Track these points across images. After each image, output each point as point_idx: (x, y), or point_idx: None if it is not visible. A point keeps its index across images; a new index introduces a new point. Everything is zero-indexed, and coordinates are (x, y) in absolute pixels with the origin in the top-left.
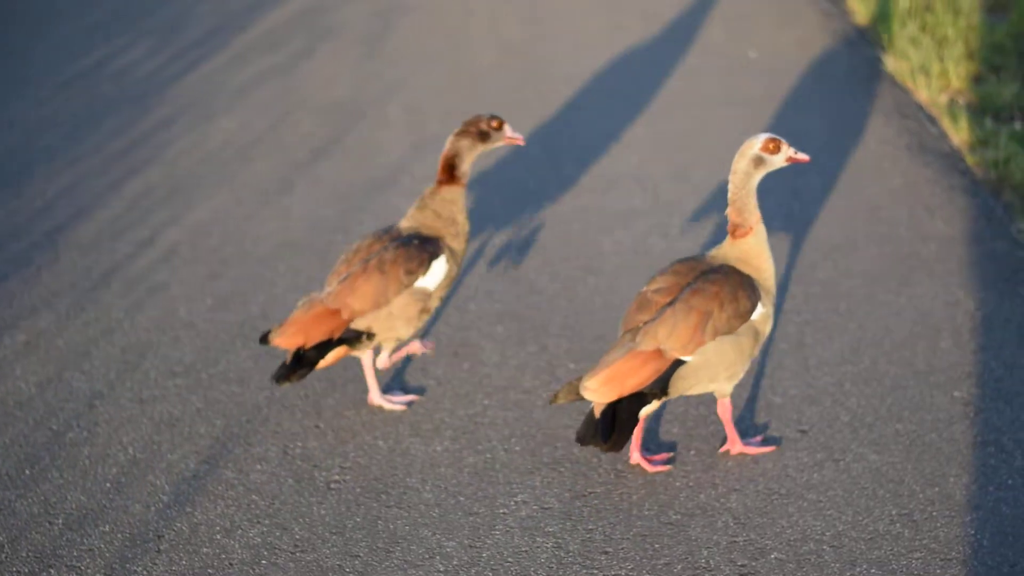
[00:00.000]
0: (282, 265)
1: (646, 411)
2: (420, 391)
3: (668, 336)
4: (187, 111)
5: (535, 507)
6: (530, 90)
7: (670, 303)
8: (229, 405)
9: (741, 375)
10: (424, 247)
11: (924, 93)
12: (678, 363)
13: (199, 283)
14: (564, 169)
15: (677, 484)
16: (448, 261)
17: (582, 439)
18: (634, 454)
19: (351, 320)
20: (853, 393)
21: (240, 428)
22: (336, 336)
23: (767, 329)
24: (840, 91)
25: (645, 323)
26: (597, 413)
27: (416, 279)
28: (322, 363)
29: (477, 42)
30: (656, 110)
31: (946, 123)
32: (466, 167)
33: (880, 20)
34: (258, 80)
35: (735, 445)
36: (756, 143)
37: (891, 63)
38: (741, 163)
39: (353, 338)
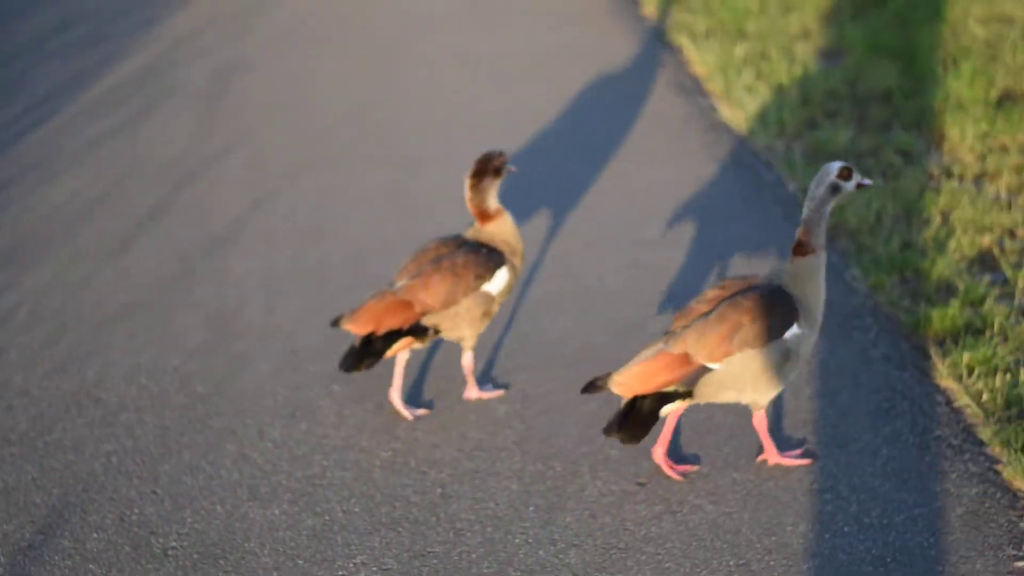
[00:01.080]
0: (120, 328)
1: (668, 409)
2: (262, 453)
3: (696, 342)
4: (28, 171)
5: (374, 568)
6: (375, 145)
7: (707, 312)
8: (65, 473)
9: (772, 391)
10: (492, 256)
11: (760, 140)
12: (705, 369)
13: (36, 348)
14: (409, 224)
15: (516, 541)
16: (509, 272)
17: (606, 430)
18: (657, 450)
19: (422, 314)
20: (690, 444)
21: (76, 496)
22: (406, 327)
23: (803, 350)
24: (677, 141)
25: (680, 327)
26: (622, 407)
27: (483, 284)
28: (389, 352)
29: (322, 99)
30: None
31: (782, 170)
32: (493, 201)
33: (716, 69)
34: (100, 139)
35: (772, 456)
36: (832, 171)
37: (727, 112)
38: (819, 190)
39: (420, 331)
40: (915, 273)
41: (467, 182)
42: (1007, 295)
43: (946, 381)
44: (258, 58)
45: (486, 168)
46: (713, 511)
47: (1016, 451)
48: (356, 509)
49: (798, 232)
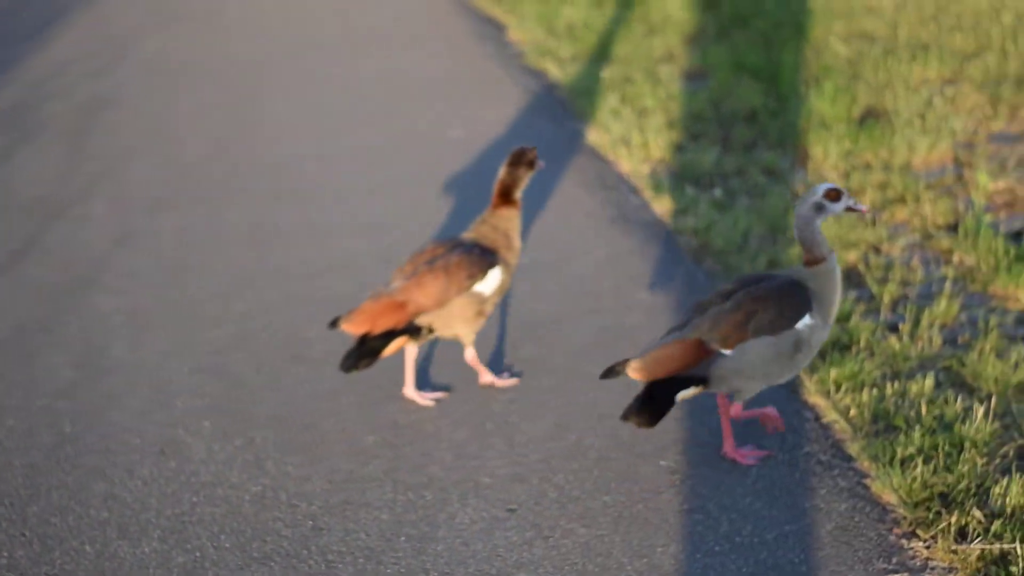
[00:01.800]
0: None
1: (684, 395)
2: (131, 491)
3: (711, 329)
4: None
5: None
6: (237, 180)
7: (723, 302)
8: None
9: (781, 379)
10: (484, 256)
11: (626, 164)
12: (719, 356)
13: None
14: (270, 258)
15: (388, 571)
16: (503, 272)
17: (624, 416)
18: (728, 442)
19: (416, 314)
20: (560, 469)
21: None
22: (400, 326)
23: (813, 340)
24: (546, 166)
25: (697, 316)
26: (640, 392)
27: (475, 283)
28: (386, 351)
29: (185, 135)
30: (362, 193)
31: (648, 193)
32: (519, 192)
33: (582, 94)
34: None
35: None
36: (819, 191)
37: (593, 136)
38: (802, 208)
39: (414, 330)
40: None
41: (504, 169)
42: (873, 311)
43: (814, 398)
44: (122, 95)
45: (522, 159)
46: (585, 534)
47: (884, 465)
48: (227, 545)
49: (804, 254)
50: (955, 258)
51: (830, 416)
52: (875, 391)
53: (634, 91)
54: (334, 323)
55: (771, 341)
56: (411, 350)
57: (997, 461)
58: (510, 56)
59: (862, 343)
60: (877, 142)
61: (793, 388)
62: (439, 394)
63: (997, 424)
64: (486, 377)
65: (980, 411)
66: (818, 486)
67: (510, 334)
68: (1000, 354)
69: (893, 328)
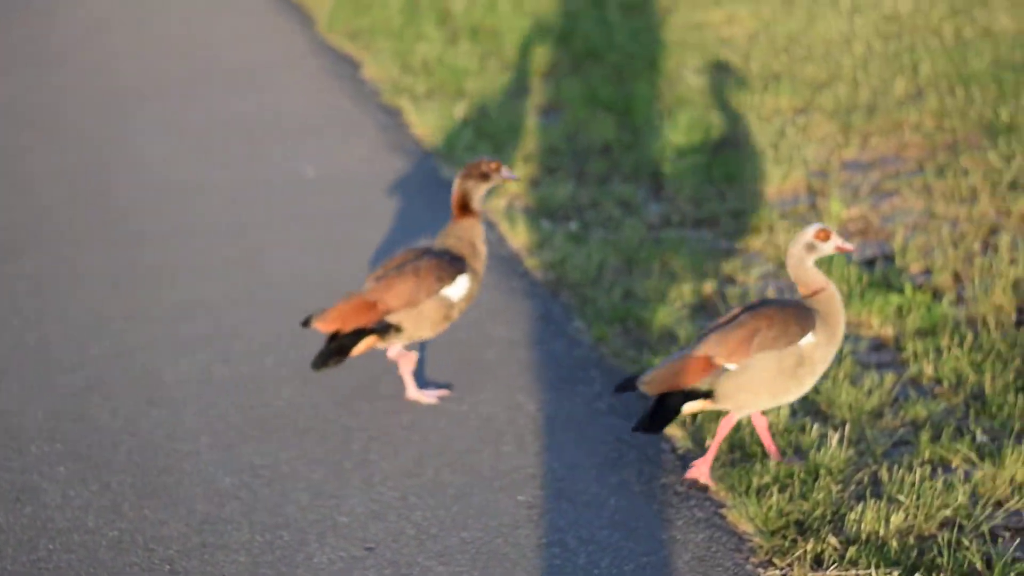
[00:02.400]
0: None
1: (690, 407)
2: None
3: (717, 344)
4: None
5: None
6: (93, 223)
7: (728, 324)
8: None
9: (785, 398)
10: (454, 263)
11: None
12: (725, 370)
13: None
14: (127, 300)
15: None
16: (471, 280)
17: (635, 428)
18: (701, 468)
19: (385, 313)
20: (418, 506)
21: None
22: (370, 326)
23: (818, 358)
24: (401, 204)
25: (705, 333)
26: (650, 404)
27: (444, 287)
28: (355, 350)
29: (34, 178)
30: (218, 233)
31: (504, 227)
32: (476, 203)
33: (437, 130)
34: None
35: (774, 455)
36: (809, 232)
37: (449, 172)
38: (794, 248)
39: (383, 330)
40: (638, 323)
41: (456, 182)
42: None
43: (671, 429)
44: None
45: (473, 172)
46: (443, 572)
47: (740, 494)
48: None
49: (800, 289)
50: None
51: (685, 446)
52: None
53: (490, 126)
54: (306, 322)
55: (775, 356)
56: (406, 362)
57: (852, 488)
58: (366, 94)
59: None
60: (731, 172)
61: None
62: (442, 392)
63: (852, 451)
64: (412, 393)
65: (835, 438)
66: (675, 517)
67: (369, 370)
68: (854, 381)
69: None
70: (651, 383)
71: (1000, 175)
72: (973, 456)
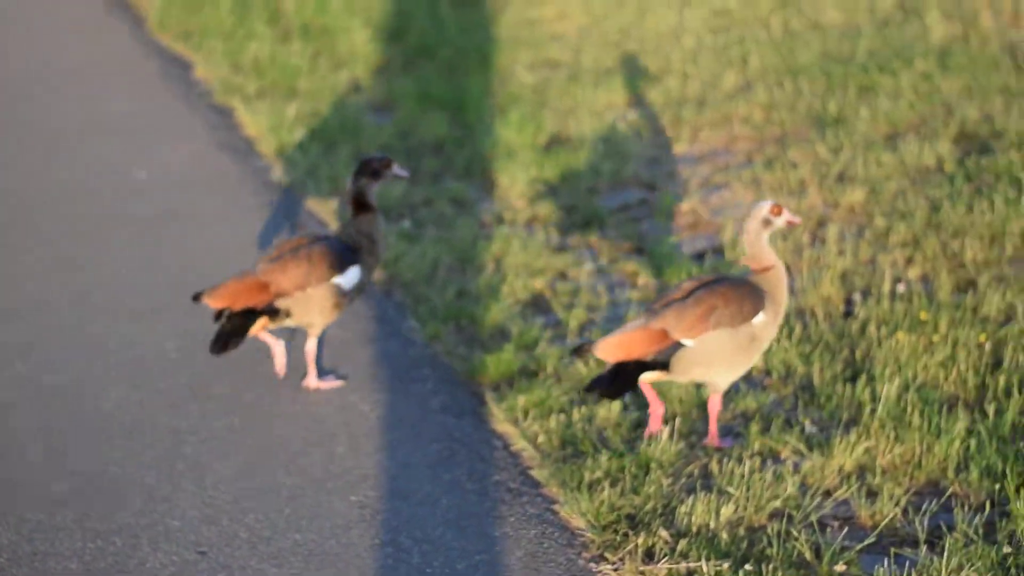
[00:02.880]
0: None
1: (646, 377)
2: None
3: (675, 320)
4: None
5: None
6: None
7: (685, 296)
8: None
9: (736, 374)
10: (347, 252)
11: (314, 197)
12: (680, 345)
13: None
14: None
15: None
16: (362, 271)
17: (588, 388)
18: (713, 438)
19: (276, 296)
20: (251, 508)
21: None
22: (260, 307)
23: (766, 335)
24: (233, 203)
25: (660, 307)
26: (605, 371)
27: (335, 275)
28: (250, 331)
29: None
30: (45, 237)
31: (337, 224)
32: (371, 199)
33: (269, 129)
34: None
35: (713, 440)
36: (764, 207)
37: (281, 171)
38: (751, 224)
39: (273, 312)
40: (471, 321)
41: (349, 180)
42: (560, 336)
43: (503, 426)
44: None
45: (364, 170)
46: (276, 574)
47: (572, 490)
48: None
49: (746, 261)
50: (640, 280)
51: (519, 444)
52: (563, 417)
53: (322, 125)
54: (197, 297)
55: (730, 333)
56: (310, 345)
57: (683, 481)
58: (197, 94)
59: (549, 369)
60: (563, 168)
61: (481, 417)
62: (339, 382)
63: (682, 444)
64: (312, 380)
65: (665, 432)
66: (507, 514)
67: (200, 370)
68: None
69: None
70: (608, 351)
71: (828, 167)
72: (802, 447)
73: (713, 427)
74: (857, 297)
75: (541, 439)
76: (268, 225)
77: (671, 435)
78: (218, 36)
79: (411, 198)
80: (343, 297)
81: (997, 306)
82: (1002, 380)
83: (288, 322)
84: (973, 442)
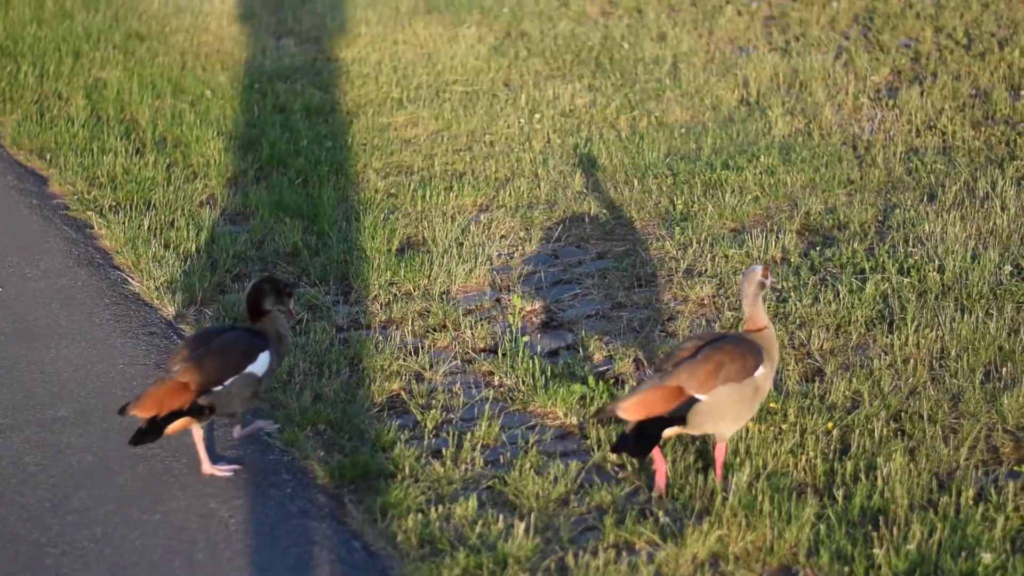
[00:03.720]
0: None
1: (668, 432)
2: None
3: (688, 377)
4: None
5: None
6: None
7: (693, 355)
8: None
9: (741, 423)
10: (256, 339)
11: (171, 309)
12: (694, 400)
13: None
14: None
15: None
16: (272, 356)
17: (615, 450)
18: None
19: (198, 394)
20: None
21: None
22: (185, 407)
23: (766, 387)
24: (88, 317)
25: (671, 367)
26: (627, 429)
27: (249, 364)
28: (169, 430)
29: None
30: None
31: None
32: (267, 306)
33: (124, 242)
34: None
35: (719, 480)
36: (758, 271)
37: (137, 283)
38: (749, 288)
39: (198, 410)
40: (328, 425)
41: (250, 284)
42: (417, 437)
43: (362, 527)
44: None
45: (270, 285)
46: None
47: None
48: None
49: (745, 324)
50: (496, 380)
51: (377, 544)
52: (420, 516)
53: (178, 236)
54: (123, 410)
55: (736, 387)
56: (197, 430)
57: (540, 575)
58: (53, 208)
59: (407, 470)
60: (416, 272)
61: (340, 519)
62: (235, 466)
63: (539, 539)
64: (207, 467)
65: (521, 528)
66: None
67: (61, 484)
68: (540, 471)
69: (437, 453)
70: (629, 411)
71: (677, 263)
72: (656, 538)
73: (719, 472)
74: None
75: (400, 539)
76: (126, 338)
77: (527, 530)
78: (73, 150)
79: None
80: (259, 384)
81: (844, 393)
82: (850, 465)
83: (211, 417)
84: (823, 527)
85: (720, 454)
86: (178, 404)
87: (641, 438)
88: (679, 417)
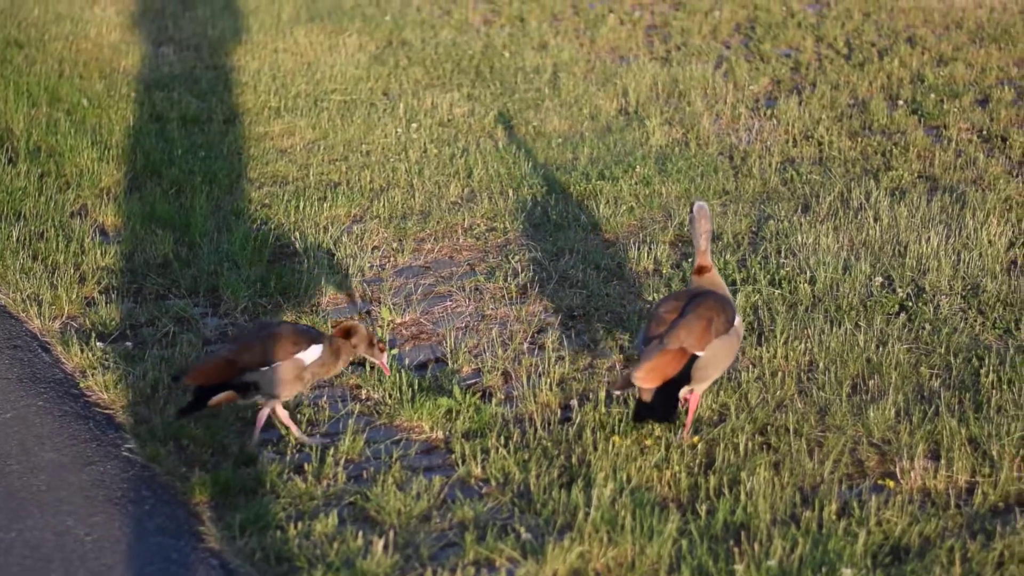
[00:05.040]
0: None
1: (683, 392)
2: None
3: (687, 336)
4: None
5: None
6: None
7: (680, 316)
8: None
9: (727, 369)
10: (311, 332)
11: (37, 322)
12: (695, 357)
13: None
14: None
15: None
16: (327, 352)
17: (639, 418)
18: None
19: (243, 371)
20: None
21: None
22: (229, 381)
23: (742, 334)
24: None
25: (665, 331)
26: (646, 398)
27: (298, 351)
28: (213, 401)
29: None
30: None
31: (59, 350)
32: (361, 351)
33: None
34: None
35: (688, 432)
36: (706, 207)
37: (2, 295)
38: (706, 224)
39: (241, 386)
40: (191, 440)
41: (359, 326)
42: (281, 452)
43: (220, 544)
44: None
45: (363, 333)
46: None
47: None
48: None
49: (699, 260)
50: (363, 393)
51: (235, 562)
52: (279, 533)
53: (47, 247)
54: (176, 376)
55: (725, 338)
56: (280, 410)
57: None
58: None
59: (268, 486)
60: (287, 283)
61: (199, 536)
62: (321, 439)
63: (398, 556)
64: (298, 435)
65: (380, 544)
66: None
67: None
68: (402, 486)
69: (300, 468)
70: (646, 378)
71: (549, 274)
72: (516, 554)
73: (690, 423)
74: (575, 402)
75: (258, 556)
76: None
77: (385, 547)
78: None
79: (135, 318)
80: (305, 371)
81: (711, 406)
82: (714, 480)
83: (257, 395)
84: (685, 543)
85: (695, 404)
86: (223, 378)
87: (667, 402)
88: (687, 376)
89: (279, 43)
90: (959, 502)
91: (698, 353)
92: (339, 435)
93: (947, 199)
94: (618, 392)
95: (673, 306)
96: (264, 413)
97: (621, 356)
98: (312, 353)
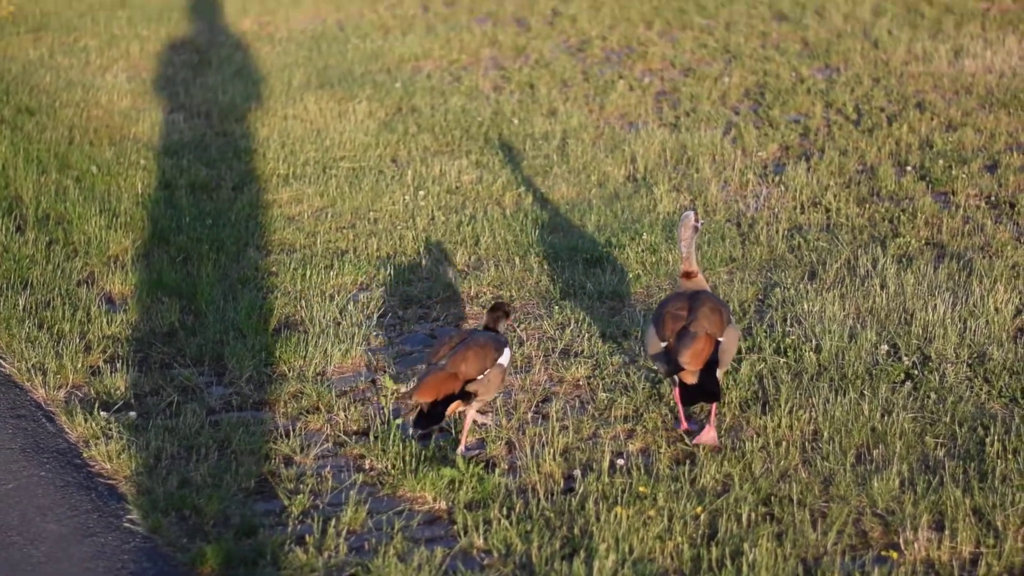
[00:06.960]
0: None
1: (719, 373)
2: None
3: (710, 326)
4: None
5: None
6: None
7: (692, 313)
8: None
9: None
10: (500, 338)
11: (41, 391)
12: (719, 342)
13: None
14: None
15: None
16: (510, 353)
17: (689, 402)
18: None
19: (465, 382)
20: None
21: None
22: (455, 392)
23: (734, 320)
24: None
25: (686, 325)
26: (691, 380)
27: (499, 357)
28: (448, 411)
29: None
30: None
31: (63, 419)
32: (498, 327)
33: (1, 324)
34: None
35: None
36: (691, 216)
37: (7, 364)
38: (688, 232)
39: (466, 395)
40: (193, 511)
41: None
42: (283, 523)
43: None
44: None
45: (500, 308)
46: None
47: None
48: None
49: (683, 267)
50: (367, 463)
51: None
52: None
53: (53, 316)
54: (406, 395)
55: (734, 326)
56: (470, 414)
57: None
58: None
59: (269, 556)
60: (292, 352)
61: None
62: (477, 451)
63: None
64: (484, 420)
65: None
66: None
67: None
68: (404, 557)
69: (301, 539)
70: (692, 360)
71: (554, 343)
72: None
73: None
74: (578, 472)
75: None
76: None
77: None
78: None
79: (140, 387)
80: (506, 373)
81: (714, 476)
82: (716, 551)
83: (476, 403)
84: None
85: (720, 381)
86: (450, 390)
87: (712, 380)
88: (717, 359)
89: (289, 110)
90: (963, 573)
91: (720, 339)
92: (342, 506)
93: (954, 266)
94: (674, 374)
95: (681, 304)
96: (471, 416)
97: (626, 426)
98: (507, 356)
